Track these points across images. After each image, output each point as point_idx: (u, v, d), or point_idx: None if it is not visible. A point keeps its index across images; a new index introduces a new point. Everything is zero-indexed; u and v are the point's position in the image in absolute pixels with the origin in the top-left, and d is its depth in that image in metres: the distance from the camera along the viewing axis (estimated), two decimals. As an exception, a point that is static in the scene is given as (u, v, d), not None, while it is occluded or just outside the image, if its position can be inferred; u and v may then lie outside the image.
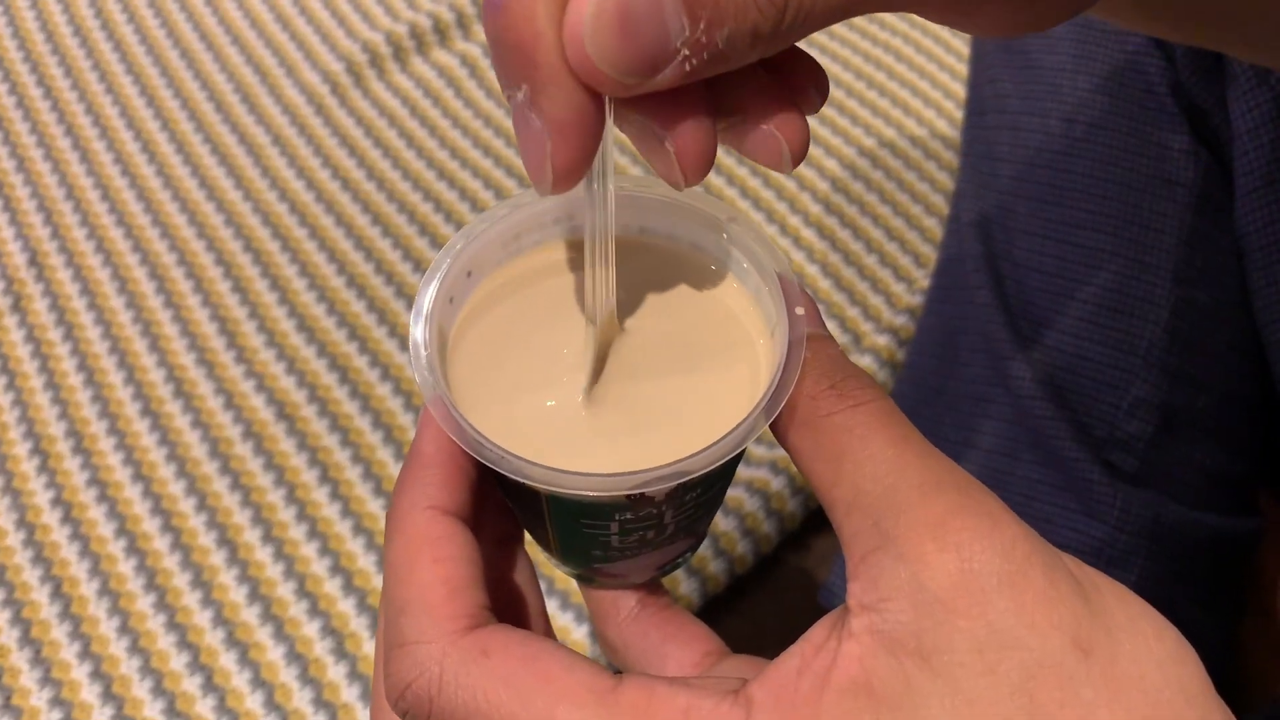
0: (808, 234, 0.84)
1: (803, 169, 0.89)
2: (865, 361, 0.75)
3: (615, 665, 0.33)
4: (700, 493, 0.27)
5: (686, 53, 0.22)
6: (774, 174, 0.88)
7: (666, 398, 0.27)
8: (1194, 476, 0.59)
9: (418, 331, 0.27)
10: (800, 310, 0.27)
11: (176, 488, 0.69)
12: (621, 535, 0.27)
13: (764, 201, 0.87)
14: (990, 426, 0.62)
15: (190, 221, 0.83)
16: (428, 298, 0.27)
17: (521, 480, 0.25)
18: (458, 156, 0.88)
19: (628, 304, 0.28)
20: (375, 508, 0.68)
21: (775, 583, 0.66)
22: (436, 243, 0.82)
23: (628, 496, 0.26)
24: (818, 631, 0.24)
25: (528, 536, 0.31)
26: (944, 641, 0.22)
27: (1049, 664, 0.22)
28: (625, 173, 0.77)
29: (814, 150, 0.90)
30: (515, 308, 0.29)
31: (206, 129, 0.89)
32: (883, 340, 0.77)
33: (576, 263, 0.30)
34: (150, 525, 0.67)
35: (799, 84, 0.26)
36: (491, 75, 0.94)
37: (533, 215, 0.29)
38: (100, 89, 0.93)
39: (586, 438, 0.26)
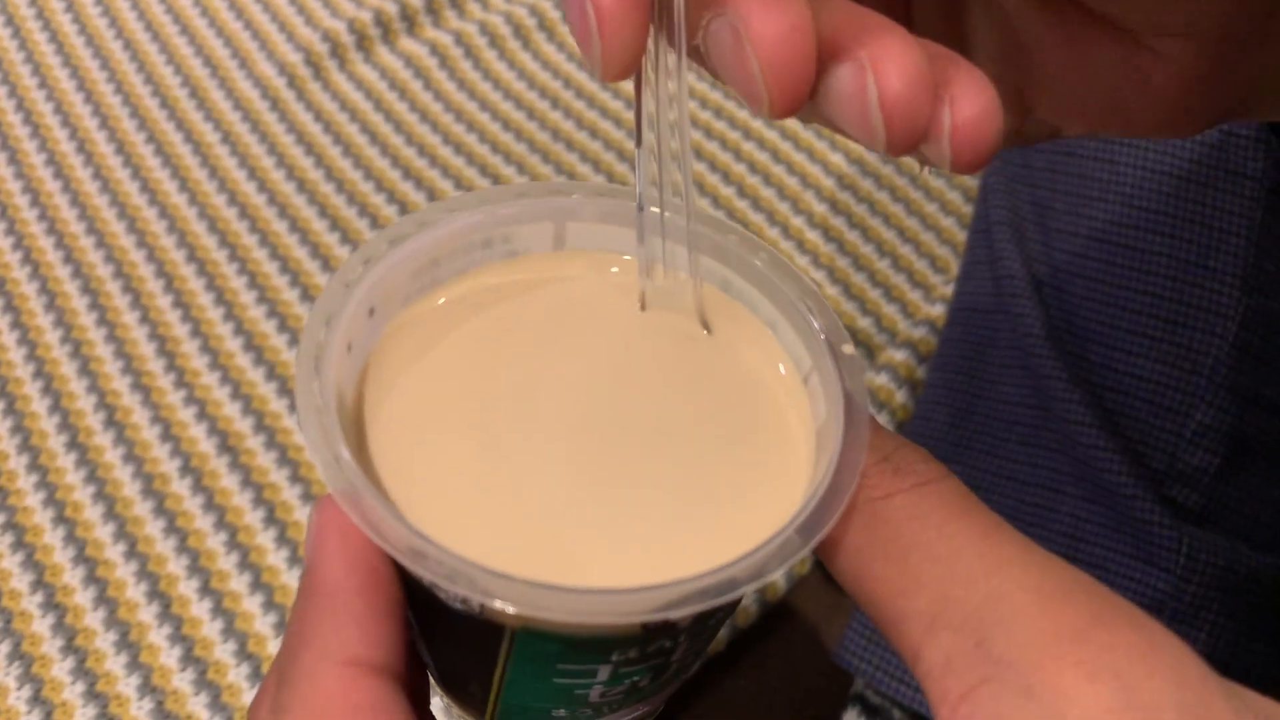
0: (812, 236, 0.76)
1: (806, 164, 0.81)
2: (881, 380, 0.67)
3: None
4: (723, 616, 0.20)
5: None
6: (773, 168, 0.80)
7: (685, 486, 0.19)
8: (1269, 515, 0.51)
9: (313, 391, 0.18)
10: (849, 350, 0.20)
11: (104, 532, 0.61)
12: (609, 684, 0.20)
13: (763, 200, 0.79)
14: (1029, 455, 0.54)
15: (129, 229, 0.75)
16: (325, 343, 0.19)
17: (479, 611, 0.17)
18: (426, 154, 0.80)
19: (638, 370, 0.20)
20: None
21: (783, 637, 0.58)
22: (401, 250, 0.74)
23: (645, 625, 0.18)
24: None
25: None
26: None
27: None
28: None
29: (817, 143, 0.82)
30: (444, 359, 0.21)
31: (150, 126, 0.81)
32: (900, 355, 0.69)
33: (524, 297, 0.22)
34: (72, 577, 0.59)
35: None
36: (464, 65, 0.86)
37: (453, 235, 0.21)
38: (33, 83, 0.84)
39: (567, 541, 0.19)
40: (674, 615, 0.17)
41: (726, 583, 0.17)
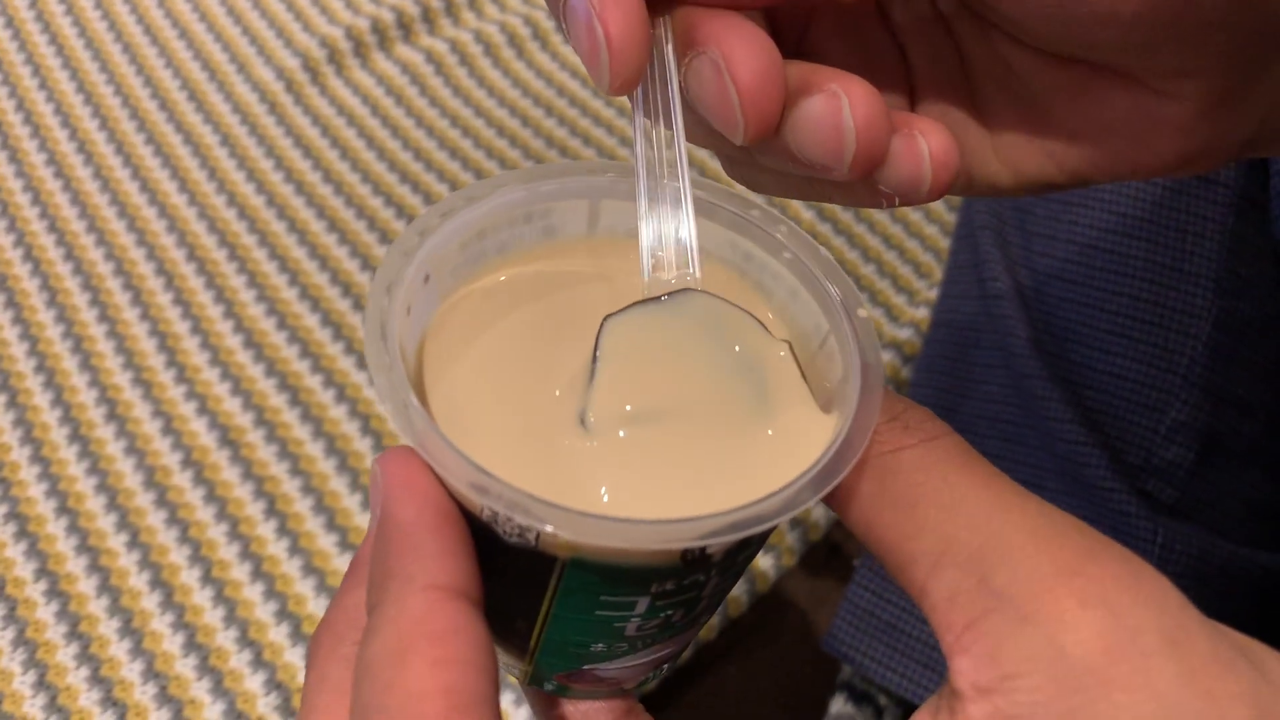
0: (800, 241, 0.78)
1: (794, 172, 0.83)
2: (866, 379, 0.69)
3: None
4: (752, 552, 0.21)
5: None
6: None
7: (709, 443, 0.21)
8: (1239, 509, 0.53)
9: (381, 350, 0.20)
10: (864, 313, 0.21)
11: (106, 522, 0.62)
12: (646, 617, 0.21)
13: (753, 207, 0.81)
14: (1011, 452, 0.56)
15: (129, 228, 0.76)
16: (388, 308, 0.21)
17: (534, 540, 0.19)
18: (422, 158, 0.82)
19: (665, 340, 0.22)
20: (327, 544, 0.61)
21: (771, 627, 0.60)
22: (398, 251, 0.76)
23: (684, 554, 0.20)
24: None
25: None
26: None
27: None
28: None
29: (805, 152, 0.84)
30: (494, 323, 0.23)
31: (150, 128, 0.83)
32: (886, 356, 0.71)
33: (561, 272, 0.24)
34: (75, 565, 0.60)
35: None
36: (459, 71, 0.88)
37: (496, 210, 0.23)
38: (33, 84, 0.86)
39: (611, 484, 0.20)
40: (711, 544, 0.19)
41: (756, 516, 0.19)
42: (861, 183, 0.24)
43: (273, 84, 0.85)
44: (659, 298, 0.22)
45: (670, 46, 0.22)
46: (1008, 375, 0.56)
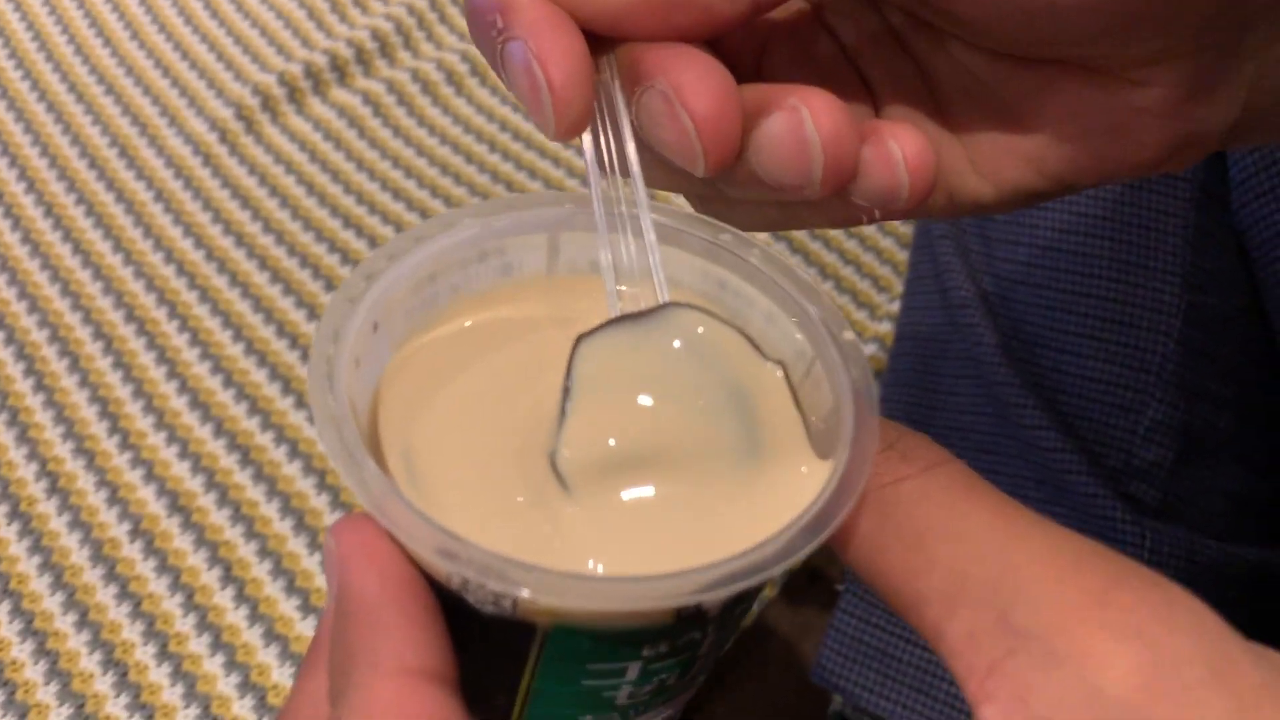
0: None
1: (745, 193, 0.82)
2: (834, 398, 0.67)
3: None
4: (750, 604, 0.20)
5: None
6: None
7: (697, 485, 0.19)
8: (1221, 504, 0.52)
9: (328, 403, 0.18)
10: (849, 336, 0.20)
11: (52, 603, 0.59)
12: (638, 683, 0.19)
13: (706, 230, 0.79)
14: (989, 463, 0.55)
15: (63, 292, 0.73)
16: (335, 357, 0.19)
17: (511, 608, 0.17)
18: (365, 201, 0.80)
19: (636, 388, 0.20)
20: (289, 609, 0.59)
21: (756, 659, 0.58)
22: (346, 298, 0.73)
23: (678, 612, 0.18)
24: None
25: None
26: None
27: None
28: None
29: (754, 172, 0.83)
30: (453, 376, 0.21)
31: (80, 187, 0.80)
32: (851, 373, 0.69)
33: (522, 316, 0.22)
34: (21, 651, 0.57)
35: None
36: (398, 111, 0.86)
37: (449, 250, 0.21)
38: (-45, 151, 0.83)
39: (591, 544, 0.19)
40: (708, 599, 0.17)
41: (755, 565, 0.17)
42: (836, 199, 0.23)
43: (206, 135, 0.83)
44: (637, 314, 0.20)
45: (617, 85, 0.21)
46: (978, 385, 0.55)
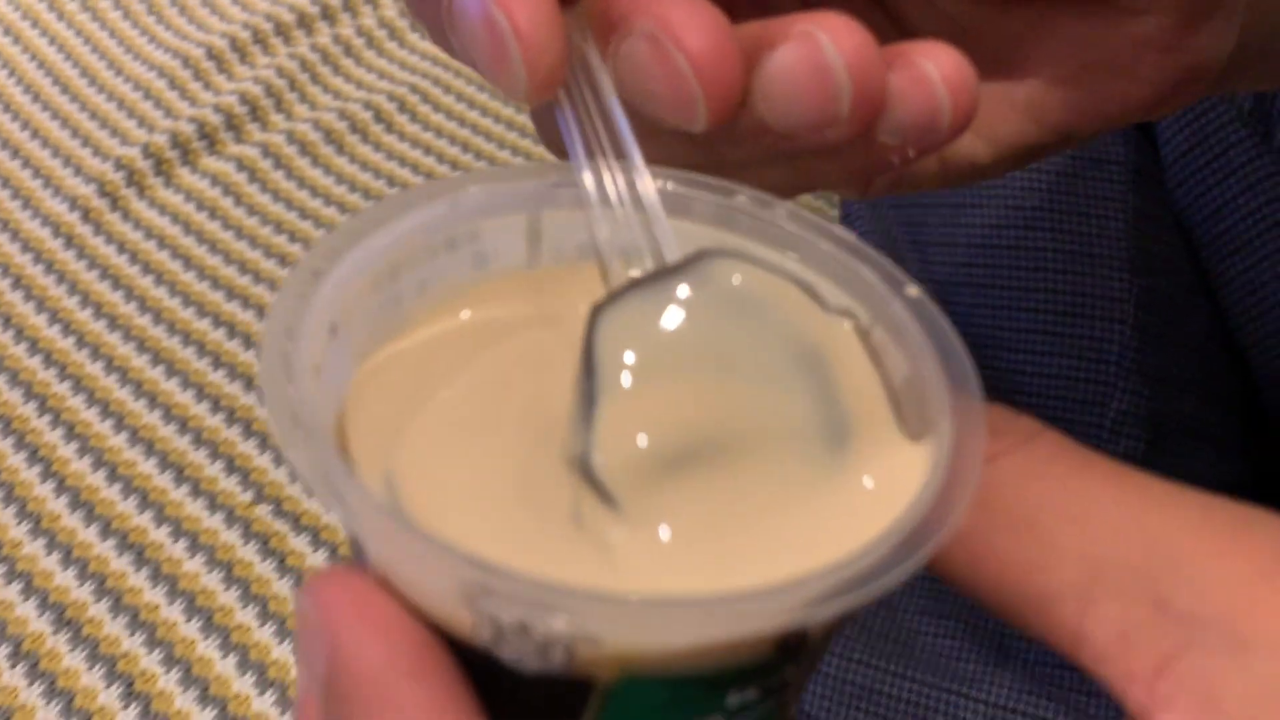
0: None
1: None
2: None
3: None
4: (830, 639, 0.16)
5: None
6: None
7: (770, 482, 0.15)
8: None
9: (294, 402, 0.14)
10: (914, 292, 0.17)
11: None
12: None
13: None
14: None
15: (-86, 396, 0.66)
16: (293, 358, 0.15)
17: (561, 660, 0.13)
18: (249, 271, 0.74)
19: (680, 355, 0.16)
20: (244, 687, 0.52)
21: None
22: (235, 374, 0.67)
23: (782, 640, 0.14)
24: None
25: None
26: None
27: None
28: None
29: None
30: (433, 394, 0.17)
31: (-75, 282, 0.72)
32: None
33: (503, 319, 0.18)
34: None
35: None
36: (276, 176, 0.81)
37: (411, 234, 0.17)
38: None
39: (647, 565, 0.15)
40: (823, 614, 0.13)
41: (875, 570, 0.13)
42: (860, 143, 0.20)
43: (67, 215, 0.77)
44: (662, 271, 0.16)
45: (590, 42, 0.18)
46: (933, 395, 0.53)
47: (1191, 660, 0.15)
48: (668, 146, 0.20)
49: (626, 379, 0.15)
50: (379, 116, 0.85)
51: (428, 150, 0.84)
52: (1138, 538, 0.16)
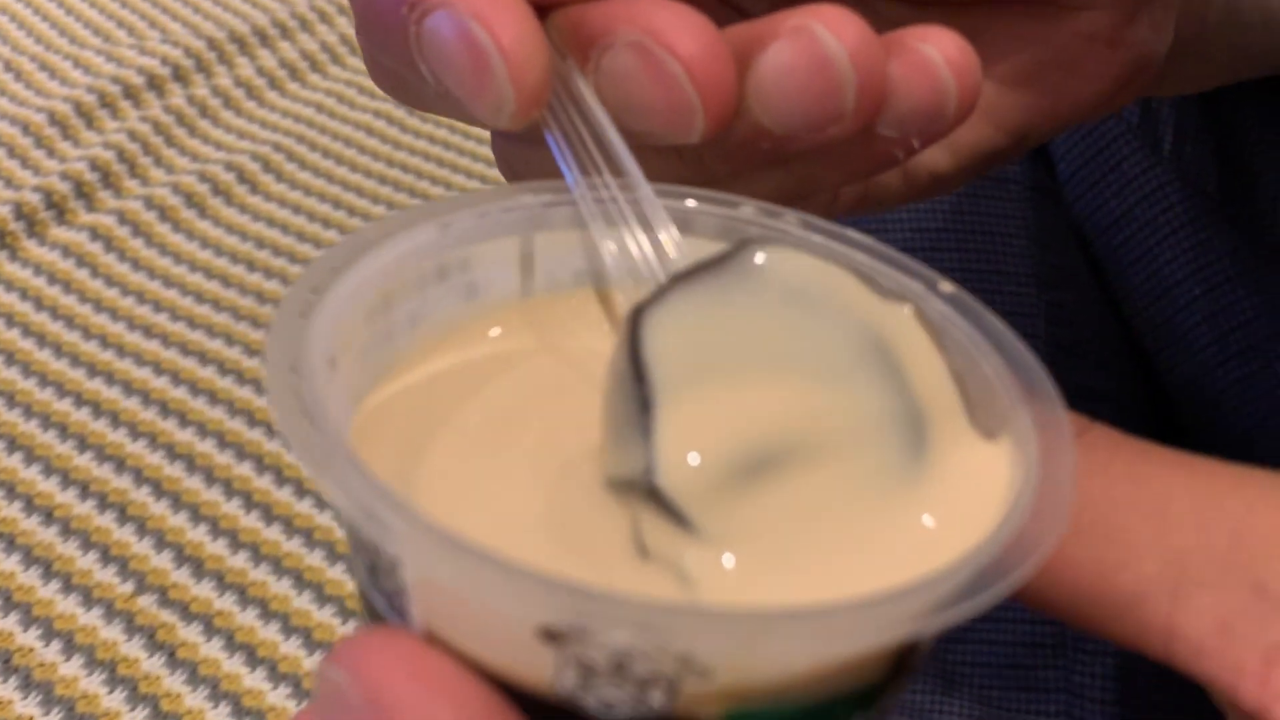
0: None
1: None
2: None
3: None
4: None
5: None
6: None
7: (855, 490, 0.14)
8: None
9: (320, 443, 0.12)
10: (948, 288, 0.16)
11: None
12: None
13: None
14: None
15: None
16: (306, 393, 0.13)
17: (663, 702, 0.11)
18: (111, 345, 0.69)
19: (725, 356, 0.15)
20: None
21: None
22: (136, 433, 0.62)
23: (899, 656, 0.13)
24: None
25: None
26: None
27: None
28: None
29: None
30: (435, 429, 0.15)
31: None
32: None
33: (506, 351, 0.17)
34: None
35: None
36: (135, 244, 0.76)
37: (402, 262, 0.16)
38: None
39: (743, 593, 0.13)
40: (945, 622, 0.12)
41: (990, 574, 0.12)
42: (860, 140, 0.19)
43: (-101, 297, 0.70)
44: (704, 264, 0.15)
45: (570, 61, 0.17)
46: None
47: None
48: (649, 164, 0.19)
49: (683, 383, 0.14)
50: (242, 177, 0.81)
51: (297, 209, 0.80)
52: (1221, 523, 0.15)
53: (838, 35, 0.17)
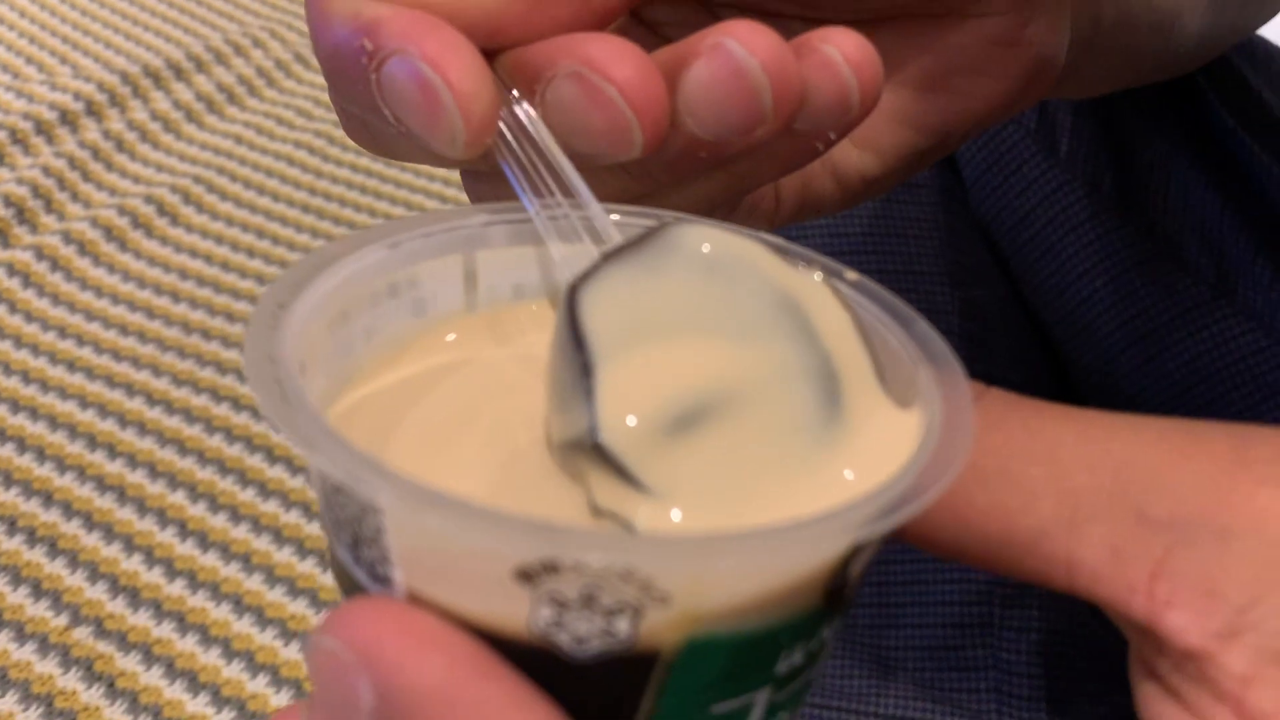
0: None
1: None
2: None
3: None
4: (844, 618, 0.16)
5: None
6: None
7: (780, 437, 0.15)
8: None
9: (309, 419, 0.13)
10: (853, 275, 0.18)
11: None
12: (769, 714, 0.15)
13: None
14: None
15: None
16: (285, 381, 0.14)
17: (628, 632, 0.13)
18: (33, 380, 0.68)
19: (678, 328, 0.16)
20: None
21: None
22: (31, 491, 0.61)
23: (830, 583, 0.14)
24: None
25: None
26: None
27: None
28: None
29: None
30: (394, 428, 0.17)
31: None
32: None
33: (454, 361, 0.18)
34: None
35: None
36: (54, 277, 0.75)
37: (356, 279, 0.17)
38: None
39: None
40: (879, 530, 0.13)
41: (910, 493, 0.13)
42: (784, 137, 0.21)
43: None
44: (631, 242, 0.16)
45: (515, 95, 0.19)
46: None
47: (1182, 558, 0.15)
48: (602, 182, 0.20)
49: (620, 347, 0.15)
50: (162, 209, 0.81)
51: (219, 240, 0.80)
52: (1107, 462, 0.16)
53: (749, 48, 0.19)
